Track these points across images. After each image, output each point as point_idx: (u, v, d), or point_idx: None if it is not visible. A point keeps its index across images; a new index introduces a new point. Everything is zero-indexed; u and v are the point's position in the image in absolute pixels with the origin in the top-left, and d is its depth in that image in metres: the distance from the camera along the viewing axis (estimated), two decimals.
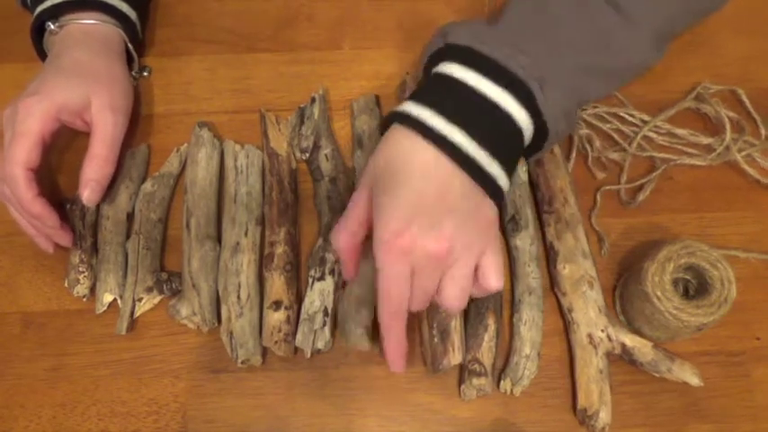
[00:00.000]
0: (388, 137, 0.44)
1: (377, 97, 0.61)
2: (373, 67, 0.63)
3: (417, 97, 0.44)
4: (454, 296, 0.43)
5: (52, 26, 0.56)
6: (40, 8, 0.56)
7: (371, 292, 0.49)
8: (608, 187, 0.57)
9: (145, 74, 0.63)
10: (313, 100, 0.59)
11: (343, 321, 0.50)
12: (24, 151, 0.50)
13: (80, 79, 0.53)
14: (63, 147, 0.60)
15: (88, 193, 0.52)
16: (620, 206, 0.57)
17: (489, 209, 0.44)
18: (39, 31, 0.57)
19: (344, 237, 0.45)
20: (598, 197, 0.57)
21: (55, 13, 0.56)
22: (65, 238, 0.54)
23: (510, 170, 0.45)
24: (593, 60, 0.48)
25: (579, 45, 0.47)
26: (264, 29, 0.65)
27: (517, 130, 0.45)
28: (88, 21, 0.56)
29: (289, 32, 0.65)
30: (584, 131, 0.59)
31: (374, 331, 0.49)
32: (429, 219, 0.41)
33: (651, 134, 0.58)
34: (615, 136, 0.59)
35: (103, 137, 0.53)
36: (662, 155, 0.57)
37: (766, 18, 0.64)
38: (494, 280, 0.44)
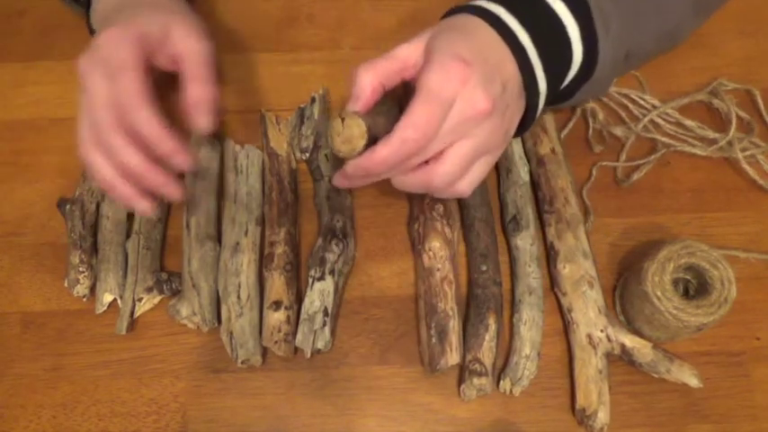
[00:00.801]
0: (450, 17, 0.45)
1: None
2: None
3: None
4: (445, 171, 0.43)
5: None
6: None
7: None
8: (605, 163, 0.58)
9: None
10: (313, 100, 0.59)
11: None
12: (136, 81, 0.44)
13: (154, 11, 0.49)
14: (63, 147, 0.60)
15: (201, 118, 0.47)
16: (614, 183, 0.58)
17: (518, 115, 0.45)
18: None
19: (375, 77, 0.44)
20: (593, 171, 0.58)
21: None
22: (175, 189, 0.47)
23: (549, 95, 0.46)
24: (645, 17, 0.48)
25: None
26: (264, 29, 0.65)
27: (569, 60, 0.46)
28: None
29: (289, 32, 0.65)
30: (590, 105, 0.59)
31: None
32: (487, 73, 0.41)
33: (659, 120, 0.59)
34: (623, 114, 0.60)
35: (197, 60, 0.48)
36: (665, 139, 0.58)
37: None
38: (465, 185, 0.45)
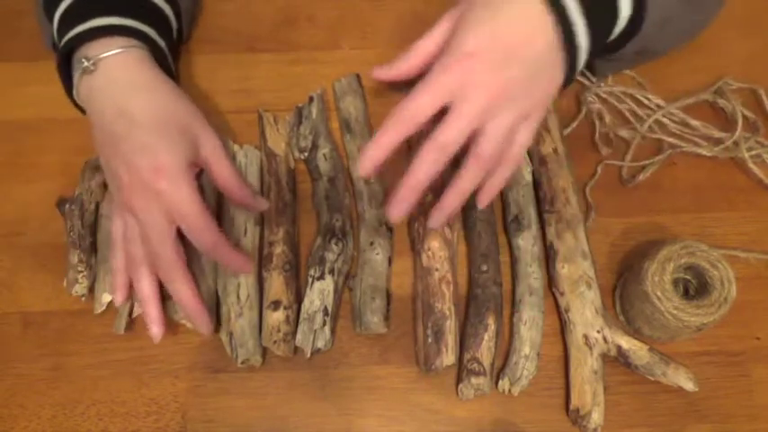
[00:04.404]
0: None
1: (358, 76, 0.61)
2: (373, 67, 0.63)
3: None
4: (489, 146, 0.44)
5: (86, 63, 0.49)
6: (67, 37, 0.50)
7: (382, 281, 0.52)
8: (610, 162, 0.58)
9: None
10: (311, 99, 0.59)
11: (358, 312, 0.51)
12: (202, 218, 0.47)
13: (170, 132, 0.48)
14: (63, 147, 0.60)
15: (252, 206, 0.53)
16: (615, 183, 0.58)
17: (558, 76, 0.45)
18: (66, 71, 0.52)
19: (410, 66, 0.47)
20: (598, 169, 0.58)
21: (84, 38, 0.50)
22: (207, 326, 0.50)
23: (594, 52, 0.47)
24: None
25: None
26: (264, 29, 0.65)
27: (615, 19, 0.47)
28: (117, 50, 0.50)
29: (289, 32, 0.65)
30: (596, 106, 0.59)
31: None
32: (498, 58, 0.43)
33: (665, 120, 0.59)
34: (628, 115, 0.60)
35: (229, 174, 0.51)
36: (671, 140, 0.58)
37: None
38: (516, 150, 0.46)
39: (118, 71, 0.49)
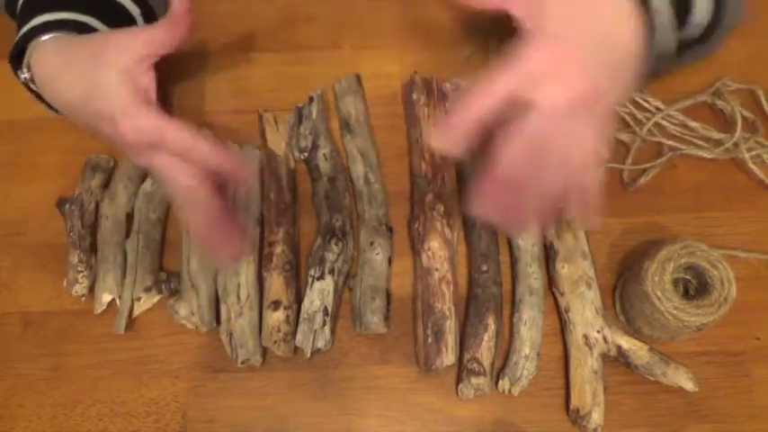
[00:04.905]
0: None
1: (358, 76, 0.61)
2: (373, 67, 0.63)
3: None
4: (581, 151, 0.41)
5: (44, 37, 0.50)
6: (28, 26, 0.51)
7: (383, 281, 0.52)
8: (611, 165, 0.58)
9: None
10: (311, 99, 0.59)
11: (358, 312, 0.52)
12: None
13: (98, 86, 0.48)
14: (63, 147, 0.60)
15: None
16: (620, 187, 0.58)
17: (635, 70, 0.43)
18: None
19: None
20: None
21: (29, 36, 0.50)
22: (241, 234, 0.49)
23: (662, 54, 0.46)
24: None
25: None
26: (264, 29, 0.65)
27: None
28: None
29: (289, 32, 0.65)
30: None
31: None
32: (590, 45, 0.40)
33: (664, 122, 0.59)
34: (627, 118, 0.60)
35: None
36: (671, 142, 0.58)
37: None
38: (590, 137, 0.42)
39: (44, 61, 0.49)
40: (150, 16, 0.58)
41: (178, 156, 0.45)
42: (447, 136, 0.41)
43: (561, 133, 0.41)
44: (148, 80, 0.48)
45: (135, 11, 0.56)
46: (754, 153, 0.57)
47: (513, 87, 0.40)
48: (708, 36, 0.48)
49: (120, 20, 0.55)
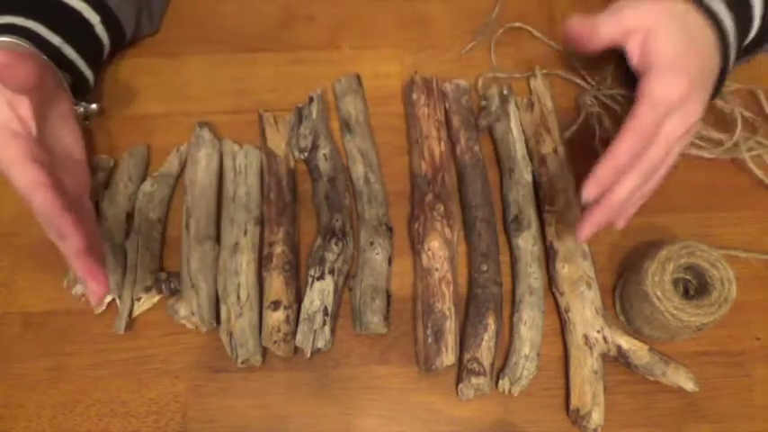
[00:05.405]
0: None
1: (358, 76, 0.61)
2: (373, 67, 0.63)
3: None
4: (657, 153, 0.45)
5: None
6: None
7: (383, 281, 0.52)
8: None
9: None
10: (311, 100, 0.59)
11: (358, 312, 0.52)
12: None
13: None
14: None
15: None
16: None
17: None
18: None
19: (613, 28, 0.46)
20: None
21: None
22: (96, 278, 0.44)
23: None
24: None
25: None
26: (264, 29, 0.65)
27: (750, 31, 0.51)
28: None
29: (289, 32, 0.65)
30: (596, 110, 0.59)
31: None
32: (702, 86, 0.45)
33: None
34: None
35: None
36: None
37: None
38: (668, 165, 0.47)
39: None
40: (111, 23, 0.58)
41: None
42: (598, 187, 0.44)
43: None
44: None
45: (93, 18, 0.56)
46: (754, 153, 0.57)
47: (651, 123, 0.43)
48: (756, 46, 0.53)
49: (72, 26, 0.55)
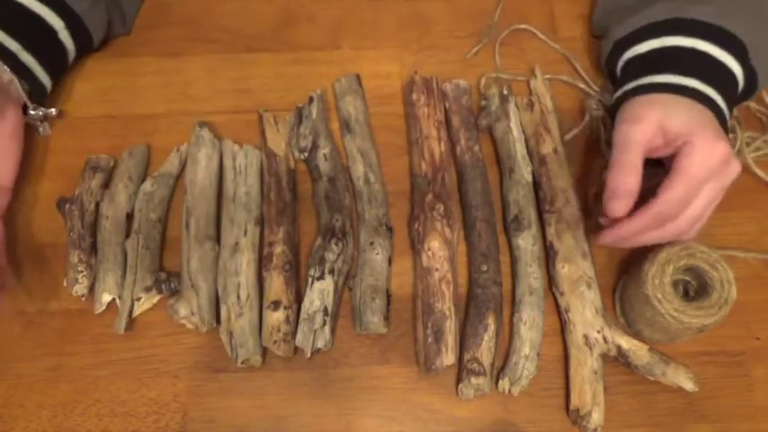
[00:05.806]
0: (649, 95, 0.50)
1: (358, 76, 0.61)
2: (373, 67, 0.63)
3: (661, 70, 0.51)
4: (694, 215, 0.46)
5: None
6: None
7: (383, 281, 0.52)
8: None
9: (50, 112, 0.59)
10: (311, 100, 0.59)
11: (358, 312, 0.52)
12: None
13: None
14: (63, 147, 0.60)
15: None
16: None
17: None
18: None
19: (632, 179, 0.46)
20: (603, 177, 0.58)
21: None
22: None
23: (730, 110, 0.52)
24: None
25: None
26: (264, 29, 0.65)
27: (735, 83, 0.52)
28: None
29: (289, 32, 0.65)
30: (599, 113, 0.59)
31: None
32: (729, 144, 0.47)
33: None
34: None
35: None
36: None
37: None
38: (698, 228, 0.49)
39: None
40: (77, 28, 0.57)
41: None
42: (615, 238, 0.48)
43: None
44: None
45: (57, 24, 0.56)
46: (760, 153, 0.57)
47: (684, 196, 0.45)
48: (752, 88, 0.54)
49: (32, 32, 0.54)
